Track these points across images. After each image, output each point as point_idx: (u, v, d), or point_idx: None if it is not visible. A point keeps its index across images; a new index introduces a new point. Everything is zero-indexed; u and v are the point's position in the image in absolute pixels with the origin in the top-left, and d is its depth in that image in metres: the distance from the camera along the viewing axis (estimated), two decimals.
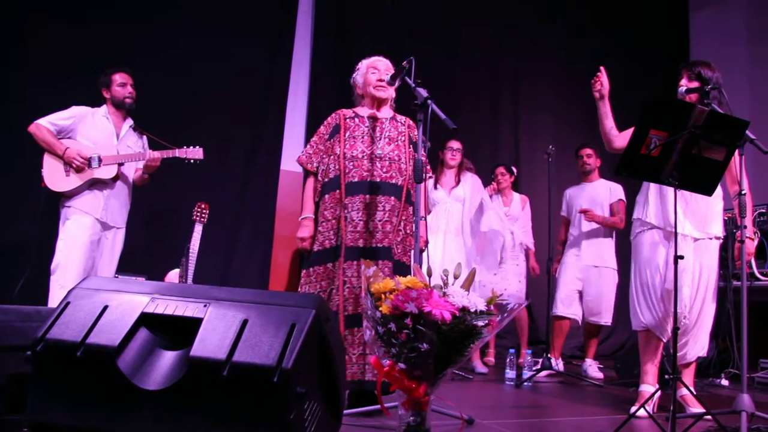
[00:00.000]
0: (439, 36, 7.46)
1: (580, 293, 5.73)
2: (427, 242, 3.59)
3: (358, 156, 3.50)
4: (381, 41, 6.71)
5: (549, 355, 5.36)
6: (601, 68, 3.79)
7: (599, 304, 5.65)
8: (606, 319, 5.68)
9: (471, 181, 5.61)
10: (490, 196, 5.93)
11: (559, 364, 5.50)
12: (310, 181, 3.62)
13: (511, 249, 6.11)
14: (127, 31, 5.75)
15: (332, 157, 3.55)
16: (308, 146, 3.67)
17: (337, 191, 3.47)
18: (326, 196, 3.51)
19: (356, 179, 3.46)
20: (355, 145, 3.52)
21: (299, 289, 3.49)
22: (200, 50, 6.04)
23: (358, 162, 3.48)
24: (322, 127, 3.69)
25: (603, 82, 3.75)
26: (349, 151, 3.51)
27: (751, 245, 3.56)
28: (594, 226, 5.70)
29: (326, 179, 3.54)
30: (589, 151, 5.91)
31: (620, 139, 3.73)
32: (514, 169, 6.33)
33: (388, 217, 3.44)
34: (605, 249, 5.73)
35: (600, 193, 5.80)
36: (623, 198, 5.75)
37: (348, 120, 3.61)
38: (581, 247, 5.74)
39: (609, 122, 3.79)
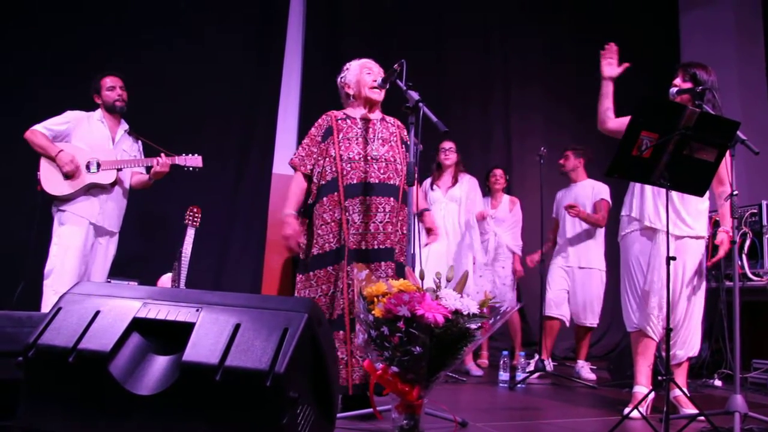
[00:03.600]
0: (428, 38, 7.46)
1: (569, 294, 5.75)
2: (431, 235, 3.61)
3: (354, 158, 3.46)
4: (371, 43, 6.72)
5: (541, 357, 5.37)
6: (612, 45, 3.81)
7: (585, 307, 5.69)
8: (592, 321, 5.71)
9: (468, 182, 5.62)
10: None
11: (548, 364, 5.50)
12: (299, 178, 3.55)
13: (494, 251, 6.14)
14: (118, 36, 5.74)
15: (327, 159, 3.48)
16: (300, 149, 3.59)
17: (335, 193, 3.42)
18: (324, 198, 3.45)
19: (354, 181, 3.42)
20: (351, 147, 3.48)
21: (297, 294, 3.45)
22: (191, 53, 6.04)
23: (354, 164, 3.44)
24: (313, 128, 3.61)
25: (614, 60, 3.77)
26: (345, 153, 3.46)
27: (727, 242, 3.58)
28: (581, 227, 5.74)
29: (323, 182, 3.48)
30: (567, 152, 5.96)
31: (614, 122, 3.73)
32: (507, 177, 6.41)
33: (389, 219, 3.42)
34: (592, 250, 5.76)
35: (583, 193, 5.83)
36: (606, 198, 5.79)
37: (339, 121, 3.56)
38: (568, 249, 5.76)
39: (608, 102, 3.78)
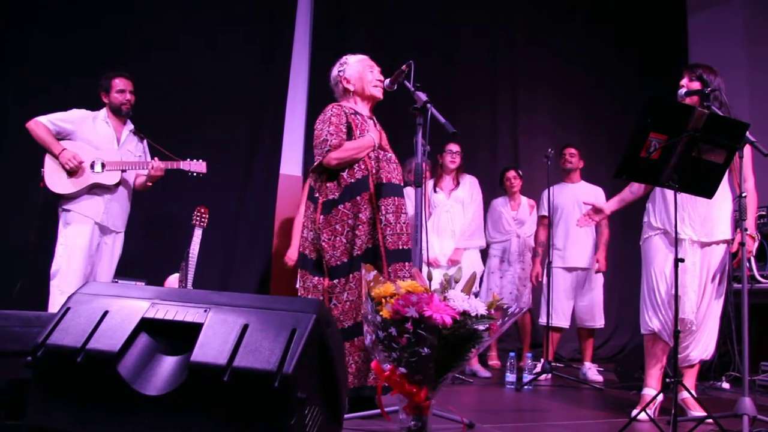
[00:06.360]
0: (436, 38, 7.45)
1: (575, 298, 5.73)
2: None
3: (379, 156, 3.44)
4: (378, 43, 6.70)
5: (548, 359, 5.35)
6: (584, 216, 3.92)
7: (592, 309, 5.67)
8: (600, 322, 5.71)
9: (470, 182, 5.61)
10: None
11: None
12: None
13: (518, 253, 6.12)
14: (125, 33, 5.74)
15: None
16: (333, 132, 3.38)
17: (367, 192, 3.35)
18: (358, 197, 3.34)
19: (384, 180, 3.39)
20: None
21: (334, 300, 3.28)
22: (198, 53, 6.03)
23: (381, 162, 3.42)
24: (333, 117, 3.43)
25: (594, 218, 3.95)
26: (373, 152, 3.43)
27: (750, 245, 3.55)
28: (579, 228, 5.71)
29: (352, 179, 3.36)
30: (572, 150, 5.93)
31: (636, 186, 3.84)
32: (521, 173, 6.36)
33: (407, 219, 3.42)
34: (591, 251, 5.75)
35: (584, 196, 5.78)
36: None
37: (352, 116, 3.48)
38: (568, 250, 5.72)
39: (627, 195, 3.90)
